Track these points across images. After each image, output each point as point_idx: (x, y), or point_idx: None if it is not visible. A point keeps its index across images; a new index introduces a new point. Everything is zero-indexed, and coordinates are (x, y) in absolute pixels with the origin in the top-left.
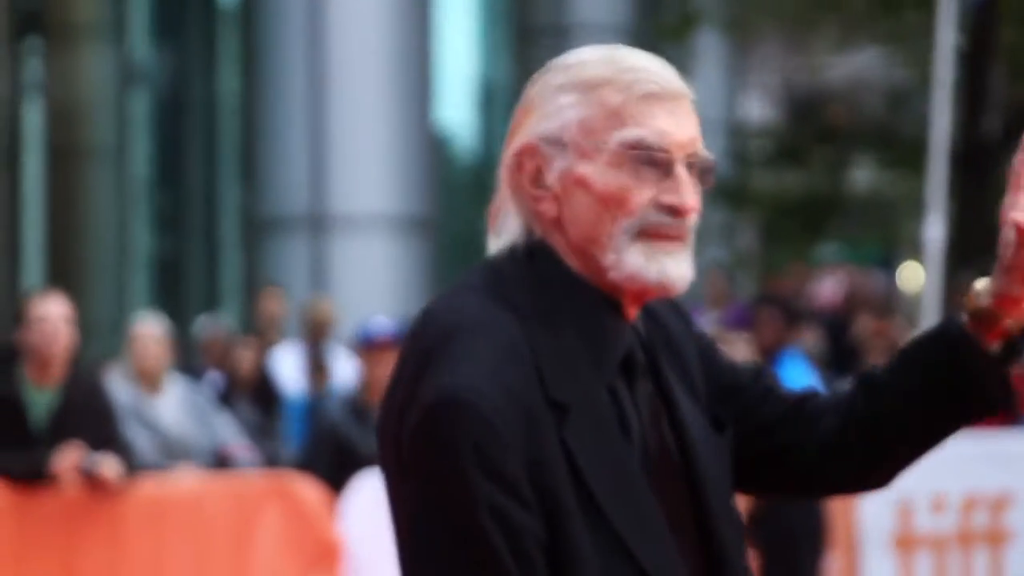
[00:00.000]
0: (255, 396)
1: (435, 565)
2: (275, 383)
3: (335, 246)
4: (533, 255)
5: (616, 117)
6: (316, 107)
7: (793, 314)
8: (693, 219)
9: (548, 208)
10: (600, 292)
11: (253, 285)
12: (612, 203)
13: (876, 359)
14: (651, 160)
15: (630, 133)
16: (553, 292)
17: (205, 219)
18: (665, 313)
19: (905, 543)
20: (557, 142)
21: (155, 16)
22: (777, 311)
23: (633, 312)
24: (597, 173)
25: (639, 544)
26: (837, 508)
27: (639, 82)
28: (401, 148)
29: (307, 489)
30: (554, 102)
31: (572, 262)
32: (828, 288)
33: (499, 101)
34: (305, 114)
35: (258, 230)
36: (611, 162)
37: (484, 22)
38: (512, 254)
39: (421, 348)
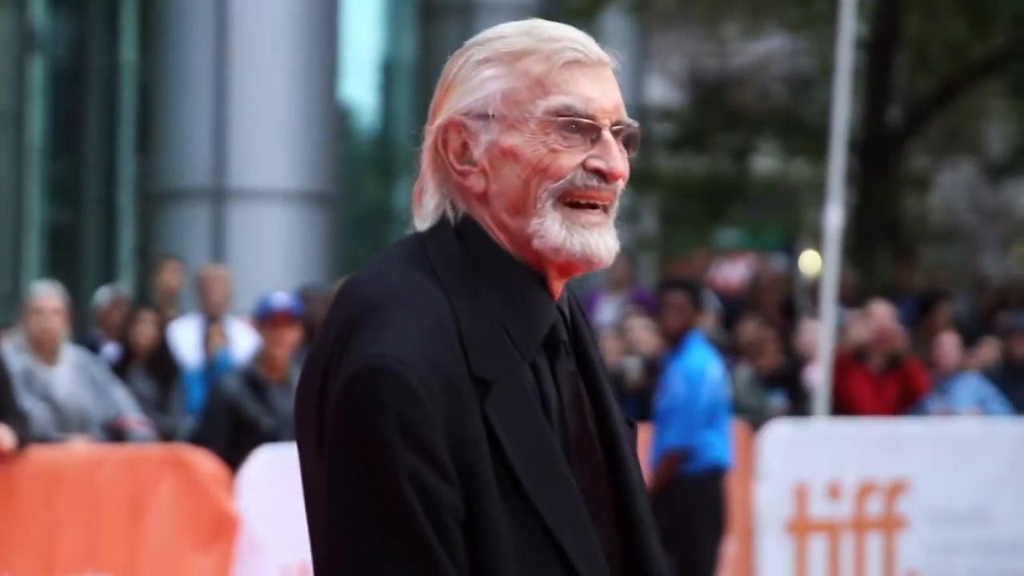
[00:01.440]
0: (152, 369)
1: (353, 532)
2: (173, 356)
3: (236, 219)
4: (460, 231)
5: (540, 86)
6: (219, 79)
7: (698, 298)
8: (620, 185)
9: (475, 182)
10: (527, 267)
11: (150, 257)
12: (540, 170)
13: (769, 356)
14: (578, 127)
15: (556, 101)
16: (479, 267)
17: (102, 189)
18: (578, 306)
19: (800, 528)
20: (482, 116)
21: None
22: (683, 295)
23: (558, 288)
24: (525, 143)
25: (558, 523)
26: (734, 493)
27: (561, 51)
28: (304, 123)
29: (203, 462)
30: (476, 76)
31: (499, 237)
32: (730, 273)
33: (403, 78)
34: (208, 86)
35: (158, 202)
36: (538, 131)
37: None
38: (439, 230)
39: (346, 317)
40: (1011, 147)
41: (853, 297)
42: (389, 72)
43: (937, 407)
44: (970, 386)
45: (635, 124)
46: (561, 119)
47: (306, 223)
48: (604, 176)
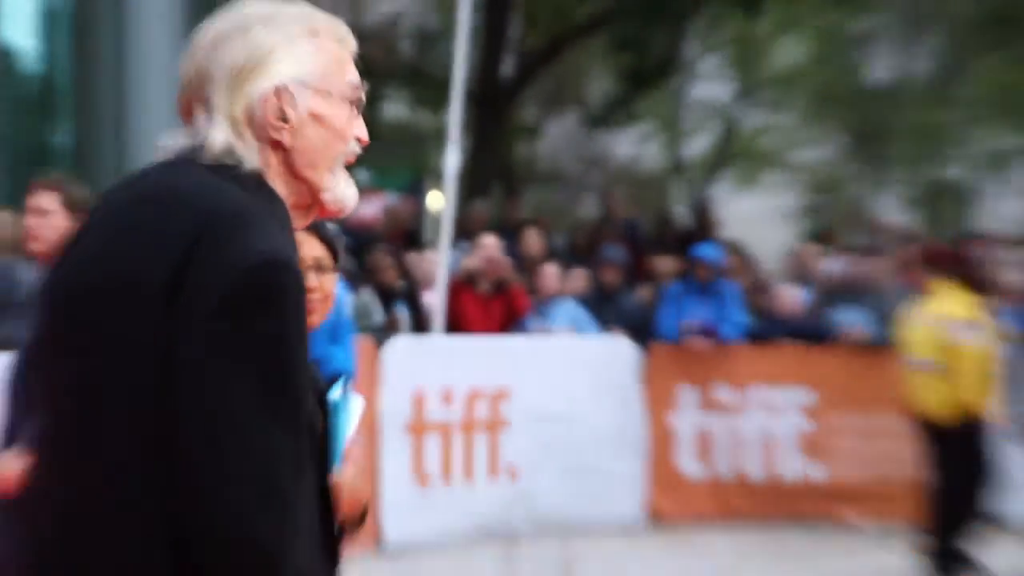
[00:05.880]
0: None
1: (251, 423)
2: None
3: None
4: (245, 170)
5: (339, 63)
6: None
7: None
8: None
9: (285, 138)
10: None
11: None
12: (340, 136)
13: (390, 277)
14: (356, 100)
15: (353, 77)
16: (270, 200)
17: None
18: None
19: (417, 429)
20: (303, 83)
21: None
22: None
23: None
24: (331, 110)
25: (313, 411)
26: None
27: (347, 34)
28: None
29: None
30: (300, 48)
31: (277, 181)
32: (364, 210)
33: (62, 24)
34: None
35: None
36: (338, 101)
37: None
38: (231, 163)
39: (202, 222)
40: (608, 100)
41: (483, 230)
42: (50, 18)
43: (537, 326)
44: (566, 309)
45: None
46: (354, 93)
47: None
48: (361, 142)
